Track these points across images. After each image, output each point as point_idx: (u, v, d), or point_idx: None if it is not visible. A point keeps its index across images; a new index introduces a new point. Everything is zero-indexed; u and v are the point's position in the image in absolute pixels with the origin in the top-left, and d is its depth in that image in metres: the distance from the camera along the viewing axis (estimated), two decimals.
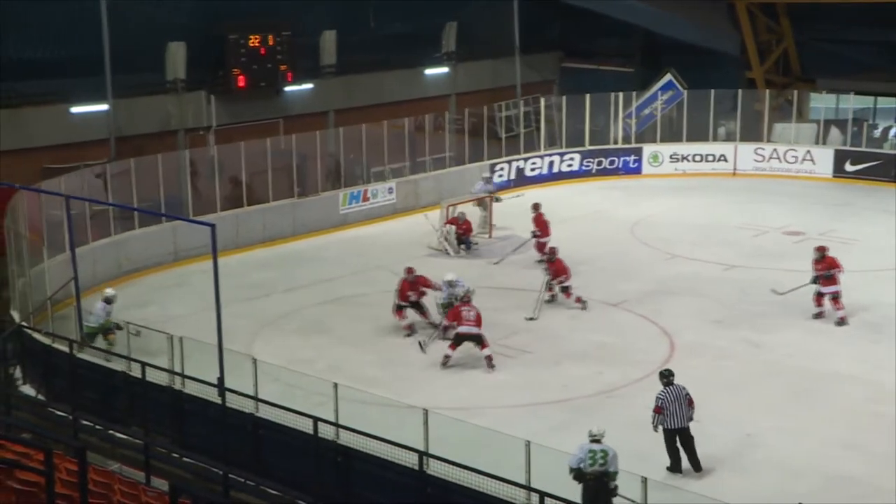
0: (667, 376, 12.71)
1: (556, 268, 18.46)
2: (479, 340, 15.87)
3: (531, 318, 17.99)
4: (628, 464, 11.24)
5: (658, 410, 12.50)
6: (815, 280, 17.80)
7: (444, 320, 16.60)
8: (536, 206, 21.42)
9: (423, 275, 17.77)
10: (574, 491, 10.95)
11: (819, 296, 17.84)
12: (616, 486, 11.06)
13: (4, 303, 17.93)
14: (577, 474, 11.08)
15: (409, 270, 17.68)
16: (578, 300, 18.50)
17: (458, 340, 15.88)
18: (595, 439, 11.20)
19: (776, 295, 18.39)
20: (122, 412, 14.35)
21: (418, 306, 17.61)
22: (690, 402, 12.56)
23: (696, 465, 12.65)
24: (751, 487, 12.19)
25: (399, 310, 17.47)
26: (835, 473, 12.64)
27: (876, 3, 27.87)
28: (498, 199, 23.78)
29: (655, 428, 12.59)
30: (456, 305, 16.38)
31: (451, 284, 17.16)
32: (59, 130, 23.07)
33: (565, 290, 18.53)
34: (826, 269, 17.74)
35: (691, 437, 12.57)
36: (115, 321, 16.24)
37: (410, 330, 17.38)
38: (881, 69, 30.05)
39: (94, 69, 23.03)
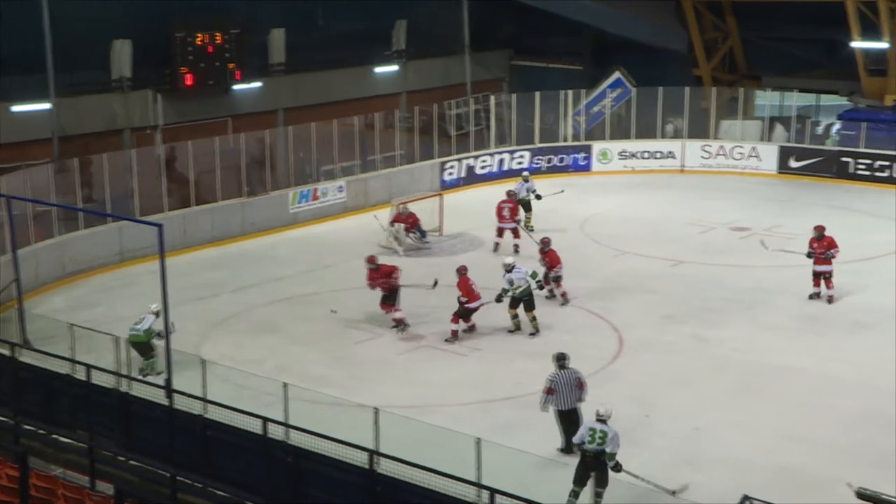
0: (560, 360, 13.20)
1: (550, 258, 18.80)
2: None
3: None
4: (574, 458, 11.29)
5: (549, 392, 12.97)
6: (810, 255, 18.42)
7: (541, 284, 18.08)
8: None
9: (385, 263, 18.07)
10: (523, 487, 10.95)
11: (816, 276, 18.44)
12: (617, 464, 11.50)
13: None
14: (580, 450, 11.68)
15: (370, 259, 17.83)
16: (563, 295, 18.81)
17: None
18: (601, 419, 11.60)
19: (764, 249, 20.03)
20: (67, 416, 14.09)
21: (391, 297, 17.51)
22: (581, 385, 13.04)
23: (570, 448, 13.04)
24: (700, 481, 12.30)
25: (384, 303, 17.55)
26: (784, 466, 12.81)
27: (819, 2, 28.35)
28: (539, 197, 23.49)
29: (544, 408, 13.04)
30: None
31: (508, 269, 17.19)
32: (1, 130, 22.59)
33: (557, 280, 18.83)
34: (826, 249, 18.29)
35: (578, 419, 12.89)
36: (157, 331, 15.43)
37: (401, 324, 17.38)
38: (824, 67, 30.59)
39: (36, 67, 22.60)
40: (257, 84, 27.34)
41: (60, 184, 20.76)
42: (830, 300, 18.47)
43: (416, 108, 28.67)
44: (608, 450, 11.44)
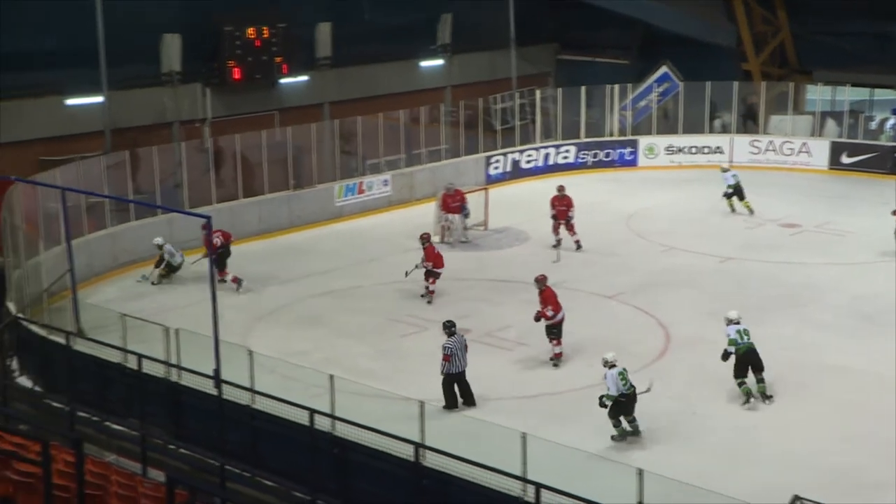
0: (449, 327, 14.22)
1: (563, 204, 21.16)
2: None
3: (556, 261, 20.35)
4: (622, 454, 11.28)
5: (447, 358, 13.97)
6: None
7: None
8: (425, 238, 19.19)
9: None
10: (568, 482, 10.95)
11: None
12: (648, 388, 13.08)
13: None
14: (612, 399, 12.98)
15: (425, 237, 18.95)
16: (577, 242, 21.20)
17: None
18: (613, 364, 12.97)
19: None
20: (119, 404, 14.35)
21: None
22: (466, 347, 14.29)
23: (472, 401, 14.18)
24: (746, 480, 12.22)
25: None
26: (830, 466, 12.67)
27: None
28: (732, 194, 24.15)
29: (445, 372, 14.07)
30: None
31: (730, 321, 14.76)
32: (55, 123, 23.01)
33: (570, 226, 21.14)
34: None
35: (466, 381, 14.13)
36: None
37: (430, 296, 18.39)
38: (878, 61, 30.05)
39: (89, 61, 22.97)
40: (304, 78, 27.53)
41: (112, 176, 21.09)
42: None
43: (462, 102, 28.66)
44: (632, 383, 13.06)
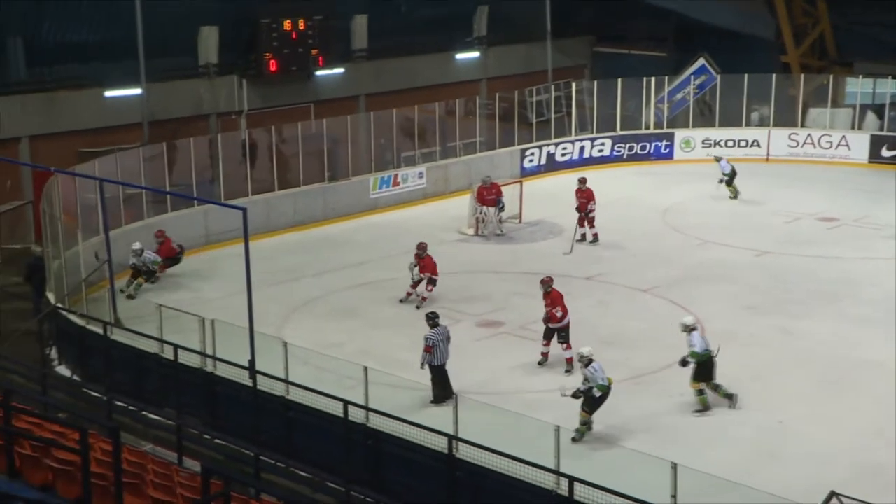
0: (433, 318, 14.15)
1: (585, 195, 21.31)
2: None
3: (567, 253, 20.51)
4: (656, 449, 11.24)
5: (429, 349, 13.86)
6: None
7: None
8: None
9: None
10: (601, 476, 10.93)
11: None
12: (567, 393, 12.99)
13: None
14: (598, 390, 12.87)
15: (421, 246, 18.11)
16: (595, 235, 21.26)
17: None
18: (590, 360, 12.95)
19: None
20: (155, 393, 14.51)
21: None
22: (449, 339, 14.13)
23: (450, 393, 13.57)
24: (782, 475, 12.13)
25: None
26: (867, 462, 12.54)
27: None
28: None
29: (423, 366, 13.88)
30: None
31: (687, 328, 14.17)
32: (94, 114, 23.28)
33: (590, 219, 21.26)
34: None
35: (446, 371, 14.02)
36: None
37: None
38: None
39: (128, 54, 23.21)
40: (340, 70, 27.62)
41: (149, 167, 21.30)
42: None
43: (497, 94, 28.62)
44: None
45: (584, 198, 21.48)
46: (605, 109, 29.11)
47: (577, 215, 21.53)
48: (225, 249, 20.82)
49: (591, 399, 12.94)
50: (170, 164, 21.67)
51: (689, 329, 13.84)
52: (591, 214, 21.41)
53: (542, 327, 15.48)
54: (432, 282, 18.05)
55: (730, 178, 24.88)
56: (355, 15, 28.03)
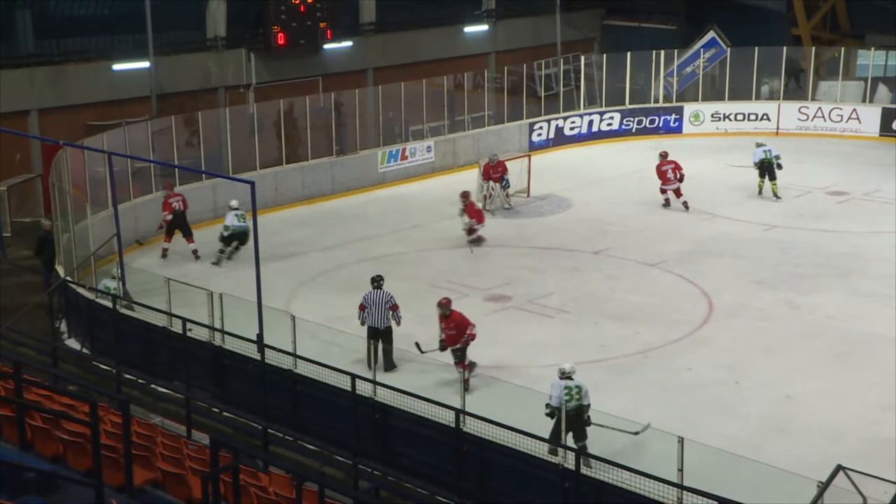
0: (377, 280, 14.46)
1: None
2: None
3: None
4: (664, 423, 11.25)
5: (361, 307, 14.21)
6: None
7: None
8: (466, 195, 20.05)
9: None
10: (608, 449, 10.97)
11: None
12: (589, 417, 11.55)
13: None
14: (554, 412, 11.45)
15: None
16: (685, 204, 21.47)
17: None
18: (567, 376, 11.56)
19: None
20: (164, 367, 14.58)
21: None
22: (393, 308, 14.21)
23: (390, 365, 13.86)
24: (790, 449, 12.14)
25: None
26: (875, 436, 12.54)
27: None
28: (780, 166, 22.58)
29: (362, 323, 14.18)
30: None
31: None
32: (102, 88, 23.27)
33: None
34: None
35: (390, 339, 14.13)
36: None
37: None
38: None
39: (136, 27, 23.14)
40: (348, 43, 27.51)
41: (158, 140, 21.29)
42: None
43: (506, 68, 28.49)
44: (585, 403, 11.50)
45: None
46: (614, 83, 28.96)
47: (586, 190, 21.50)
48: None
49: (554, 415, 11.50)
50: (178, 137, 21.65)
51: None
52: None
53: (548, 303, 15.24)
54: (474, 230, 19.40)
55: (762, 170, 22.52)
56: None
